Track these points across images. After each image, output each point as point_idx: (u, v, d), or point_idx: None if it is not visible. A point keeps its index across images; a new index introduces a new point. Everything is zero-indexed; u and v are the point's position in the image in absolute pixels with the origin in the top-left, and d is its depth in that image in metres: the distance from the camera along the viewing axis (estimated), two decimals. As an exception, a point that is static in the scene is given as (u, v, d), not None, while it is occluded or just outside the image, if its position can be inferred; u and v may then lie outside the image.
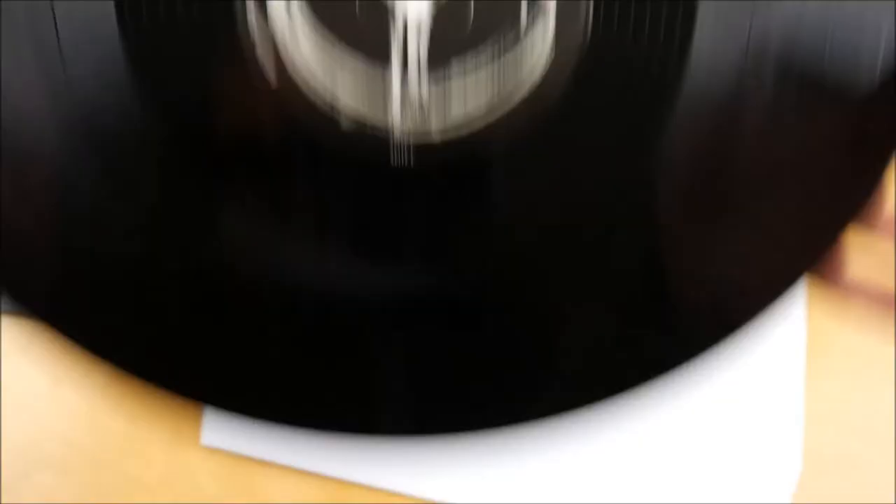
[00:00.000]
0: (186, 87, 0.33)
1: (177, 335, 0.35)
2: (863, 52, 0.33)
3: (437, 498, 0.44)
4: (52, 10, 0.32)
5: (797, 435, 0.44)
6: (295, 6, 0.33)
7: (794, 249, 0.35)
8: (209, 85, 0.33)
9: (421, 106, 0.33)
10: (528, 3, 0.33)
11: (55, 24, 0.32)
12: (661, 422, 0.45)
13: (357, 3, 0.33)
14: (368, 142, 0.34)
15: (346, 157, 0.34)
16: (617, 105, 0.34)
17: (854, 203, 0.34)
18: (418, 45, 0.33)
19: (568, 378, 0.35)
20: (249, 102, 0.33)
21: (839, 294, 0.35)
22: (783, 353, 0.45)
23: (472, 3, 0.33)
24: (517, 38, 0.33)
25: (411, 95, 0.33)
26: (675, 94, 0.34)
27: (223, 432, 0.44)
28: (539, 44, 0.33)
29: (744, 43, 0.33)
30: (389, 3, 0.33)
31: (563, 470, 0.45)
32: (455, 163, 0.34)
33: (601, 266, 0.35)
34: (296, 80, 0.33)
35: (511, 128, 0.34)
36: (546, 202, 0.35)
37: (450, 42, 0.33)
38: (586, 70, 0.34)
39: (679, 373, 0.34)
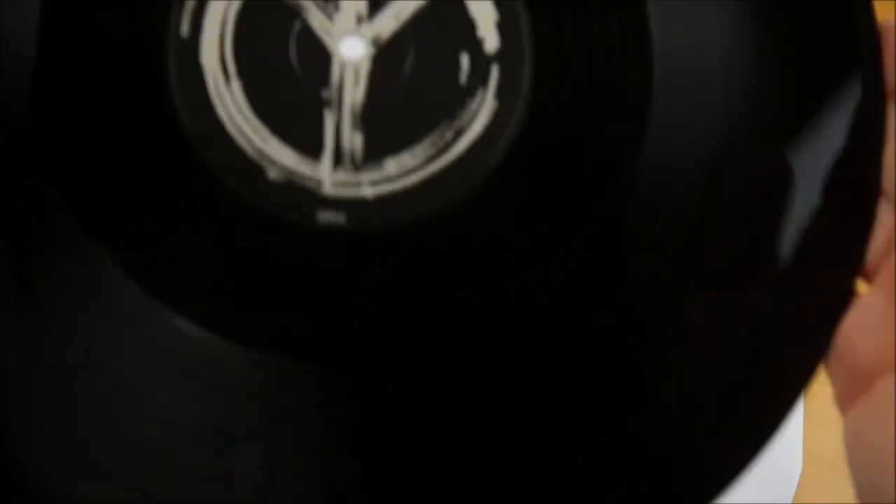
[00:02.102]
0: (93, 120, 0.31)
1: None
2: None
3: None
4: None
5: (797, 435, 0.43)
6: (230, 59, 0.31)
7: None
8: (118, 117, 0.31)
9: (353, 157, 0.31)
10: (469, 56, 0.32)
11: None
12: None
13: (293, 58, 0.31)
14: (296, 195, 0.31)
15: (270, 210, 0.31)
16: (566, 167, 0.32)
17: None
18: (353, 92, 0.31)
19: None
20: (163, 145, 0.31)
21: None
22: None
23: (411, 49, 0.32)
24: (458, 91, 0.31)
25: (344, 144, 0.31)
26: (628, 159, 0.31)
27: None
28: (481, 94, 0.32)
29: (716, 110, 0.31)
30: (328, 42, 0.31)
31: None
32: (390, 220, 0.31)
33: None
34: (221, 120, 0.31)
35: (452, 182, 0.31)
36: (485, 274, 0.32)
37: (387, 91, 0.31)
38: (535, 120, 0.32)
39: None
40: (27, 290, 0.31)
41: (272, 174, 0.31)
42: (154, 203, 0.31)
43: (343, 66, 0.31)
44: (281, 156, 0.31)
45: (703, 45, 0.31)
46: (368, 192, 0.31)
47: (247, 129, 0.31)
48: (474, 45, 0.32)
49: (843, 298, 0.31)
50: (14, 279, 0.30)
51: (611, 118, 0.31)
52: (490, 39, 0.32)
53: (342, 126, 0.31)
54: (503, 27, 0.32)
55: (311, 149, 0.31)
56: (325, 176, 0.31)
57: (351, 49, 0.32)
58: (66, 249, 0.30)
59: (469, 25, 0.32)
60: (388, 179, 0.31)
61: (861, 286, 0.31)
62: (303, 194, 0.31)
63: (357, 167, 0.31)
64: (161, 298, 0.30)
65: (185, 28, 0.31)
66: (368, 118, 0.31)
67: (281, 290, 0.31)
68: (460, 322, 0.31)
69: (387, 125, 0.31)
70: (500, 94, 0.32)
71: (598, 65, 0.32)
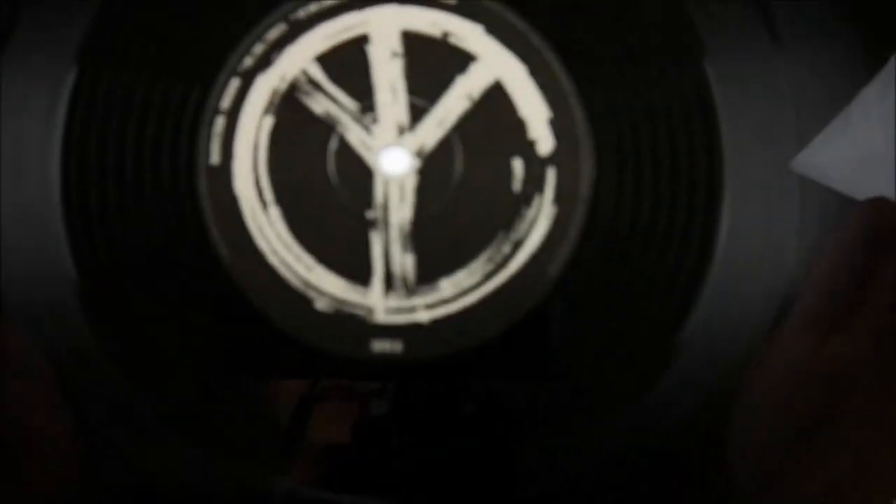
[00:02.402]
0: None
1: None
2: None
3: None
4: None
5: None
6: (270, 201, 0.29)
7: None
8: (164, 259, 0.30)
9: (405, 280, 0.29)
10: (523, 159, 0.29)
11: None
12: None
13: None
14: (347, 325, 0.29)
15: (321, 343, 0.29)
16: (629, 276, 0.30)
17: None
18: (400, 209, 0.29)
19: None
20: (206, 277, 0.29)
21: None
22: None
23: (459, 157, 0.29)
24: (513, 199, 0.29)
25: (394, 268, 0.29)
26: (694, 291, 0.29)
27: None
28: (538, 201, 0.29)
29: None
30: (369, 157, 0.29)
31: None
32: (448, 345, 0.29)
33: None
34: (261, 251, 0.29)
35: (511, 298, 0.29)
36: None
37: (436, 205, 0.29)
38: (595, 225, 0.29)
39: None
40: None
41: (320, 305, 0.29)
42: (197, 349, 0.29)
43: (387, 182, 0.29)
44: (328, 284, 0.29)
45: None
46: (424, 316, 0.29)
47: (289, 258, 0.29)
48: (527, 147, 0.29)
49: None
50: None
51: (677, 218, 0.29)
52: (544, 140, 0.29)
53: (391, 248, 0.29)
54: (557, 125, 0.29)
55: (360, 274, 0.29)
56: (377, 303, 0.29)
57: (394, 163, 0.29)
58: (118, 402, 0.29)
59: (520, 126, 0.29)
60: (444, 301, 0.29)
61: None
62: (354, 323, 0.29)
63: (410, 291, 0.29)
64: (201, 445, 0.29)
65: (214, 155, 0.29)
66: (418, 237, 0.29)
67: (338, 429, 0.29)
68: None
69: (439, 243, 0.29)
70: (559, 198, 0.29)
71: (662, 156, 0.29)
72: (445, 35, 0.29)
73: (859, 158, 0.27)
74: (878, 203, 0.24)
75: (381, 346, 0.29)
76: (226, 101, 0.29)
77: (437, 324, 0.29)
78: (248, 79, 0.29)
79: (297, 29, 0.29)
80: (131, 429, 0.29)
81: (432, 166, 0.29)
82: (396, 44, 0.29)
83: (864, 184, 0.27)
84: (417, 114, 0.29)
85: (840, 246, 0.24)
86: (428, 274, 0.29)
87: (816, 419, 0.23)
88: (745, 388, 0.25)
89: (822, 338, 0.23)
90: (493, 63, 0.29)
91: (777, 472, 0.24)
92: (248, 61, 0.29)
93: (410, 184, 0.29)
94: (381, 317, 0.29)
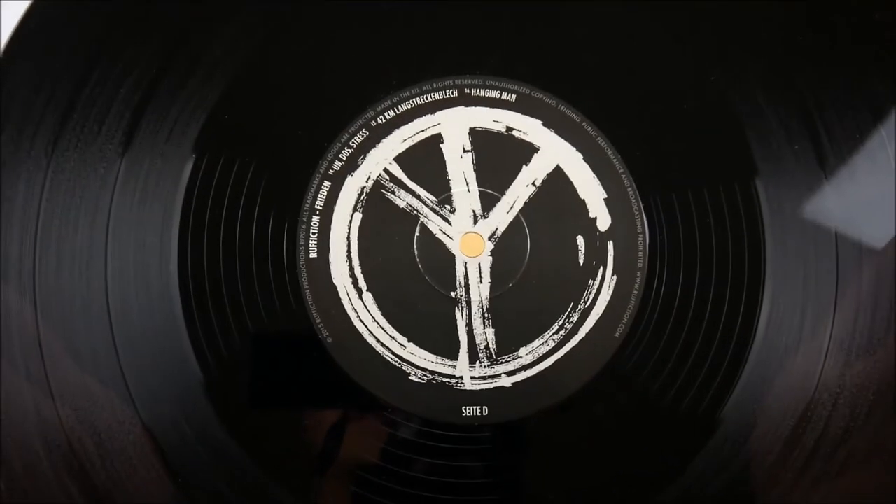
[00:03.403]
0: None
1: None
2: None
3: None
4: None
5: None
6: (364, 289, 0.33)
7: None
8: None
9: (488, 351, 0.33)
10: (584, 236, 0.33)
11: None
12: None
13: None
14: (438, 393, 0.33)
15: (417, 411, 0.33)
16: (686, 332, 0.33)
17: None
18: (479, 288, 0.33)
19: None
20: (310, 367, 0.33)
21: None
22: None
23: (528, 237, 0.33)
24: (579, 272, 0.33)
25: (477, 340, 0.33)
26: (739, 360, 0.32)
27: None
28: (601, 272, 0.33)
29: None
30: (449, 244, 0.33)
31: None
32: (528, 406, 0.33)
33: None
34: (360, 333, 0.33)
35: (582, 360, 0.33)
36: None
37: (510, 281, 0.33)
38: (652, 290, 0.33)
39: None
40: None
41: (414, 377, 0.33)
42: (304, 418, 0.33)
43: (466, 265, 0.33)
44: (420, 359, 0.33)
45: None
46: (507, 382, 0.33)
47: (384, 338, 0.33)
48: (587, 224, 0.33)
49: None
50: None
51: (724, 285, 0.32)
52: (602, 217, 0.33)
53: (474, 323, 0.33)
54: (612, 204, 0.33)
55: (448, 348, 0.33)
56: (465, 372, 0.33)
57: (471, 247, 0.33)
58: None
59: (580, 206, 0.33)
60: (524, 367, 0.33)
61: None
62: (445, 391, 0.33)
63: (492, 360, 0.33)
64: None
65: (313, 249, 0.33)
66: (497, 311, 0.33)
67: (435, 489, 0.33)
68: None
69: (515, 315, 0.33)
70: (618, 269, 0.33)
71: (710, 230, 0.33)
72: (508, 129, 0.33)
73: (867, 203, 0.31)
74: None
75: (469, 410, 0.33)
76: (319, 202, 0.33)
77: (517, 386, 0.33)
78: (337, 181, 0.33)
79: (378, 134, 0.33)
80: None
81: (505, 247, 0.33)
82: (466, 141, 0.33)
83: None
84: (489, 202, 0.33)
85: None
86: (507, 344, 0.33)
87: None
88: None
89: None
90: (553, 152, 0.33)
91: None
92: (337, 165, 0.33)
93: (487, 265, 0.33)
94: (469, 384, 0.33)
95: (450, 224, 0.33)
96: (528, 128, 0.33)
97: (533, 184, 0.33)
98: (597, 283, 0.33)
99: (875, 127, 0.32)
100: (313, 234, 0.33)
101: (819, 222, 0.32)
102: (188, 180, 0.33)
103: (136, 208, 0.32)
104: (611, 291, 0.33)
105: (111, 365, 0.32)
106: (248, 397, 0.32)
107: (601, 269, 0.33)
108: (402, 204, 0.33)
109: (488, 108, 0.33)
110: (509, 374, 0.33)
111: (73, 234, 0.32)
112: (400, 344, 0.33)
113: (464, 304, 0.33)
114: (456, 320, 0.33)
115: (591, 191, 0.33)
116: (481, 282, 0.33)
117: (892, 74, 0.32)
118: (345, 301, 0.33)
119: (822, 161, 0.32)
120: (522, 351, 0.33)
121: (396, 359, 0.33)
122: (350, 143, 0.33)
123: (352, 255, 0.33)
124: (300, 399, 0.33)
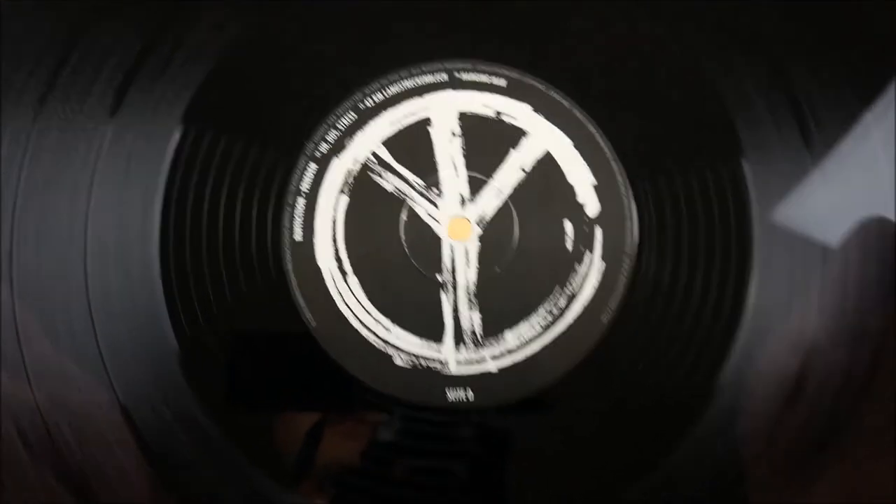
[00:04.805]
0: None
1: None
2: None
3: None
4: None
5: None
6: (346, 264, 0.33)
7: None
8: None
9: (474, 335, 0.32)
10: (572, 221, 0.33)
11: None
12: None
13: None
14: (423, 377, 0.32)
15: (401, 394, 0.32)
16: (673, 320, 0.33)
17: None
18: (466, 272, 0.33)
19: None
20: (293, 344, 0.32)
21: None
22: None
23: (515, 222, 0.33)
24: (566, 257, 0.33)
25: (463, 324, 0.32)
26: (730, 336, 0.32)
27: None
28: (588, 258, 0.33)
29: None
30: (436, 227, 0.33)
31: None
32: (515, 391, 0.32)
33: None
34: (344, 317, 0.32)
35: (569, 346, 0.33)
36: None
37: (498, 265, 0.33)
38: (641, 275, 0.33)
39: None
40: None
41: (399, 361, 0.32)
42: (287, 402, 0.32)
43: (453, 248, 0.33)
44: (405, 343, 0.32)
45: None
46: (492, 366, 0.32)
47: (369, 321, 0.32)
48: (576, 210, 0.33)
49: None
50: None
51: (713, 265, 0.32)
52: (591, 204, 0.33)
53: (459, 306, 0.32)
54: (601, 190, 0.33)
55: (433, 332, 0.32)
56: (450, 356, 0.32)
57: (458, 231, 0.33)
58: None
59: (569, 192, 0.33)
60: (510, 352, 0.32)
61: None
62: (430, 375, 0.32)
63: (478, 344, 0.32)
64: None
65: (298, 232, 0.32)
66: (483, 295, 0.32)
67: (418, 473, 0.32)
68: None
69: (502, 299, 0.33)
70: (606, 255, 0.33)
71: (697, 216, 0.33)
72: (498, 114, 0.33)
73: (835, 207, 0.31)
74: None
75: (454, 394, 0.32)
76: (305, 184, 0.33)
77: (503, 372, 0.32)
78: (324, 163, 0.33)
79: (366, 116, 0.33)
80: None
81: (492, 232, 0.33)
82: (455, 125, 0.33)
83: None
84: (477, 186, 0.33)
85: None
86: (494, 328, 0.32)
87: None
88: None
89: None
90: (542, 137, 0.33)
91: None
92: (324, 147, 0.33)
93: (474, 249, 0.33)
94: (454, 368, 0.32)
95: (437, 208, 0.33)
96: (518, 113, 0.33)
97: (522, 169, 0.33)
98: (584, 268, 0.33)
99: (861, 110, 0.32)
100: (298, 216, 0.33)
101: (806, 204, 0.32)
102: (172, 159, 0.32)
103: (118, 186, 0.32)
104: (599, 277, 0.33)
105: (89, 346, 0.31)
106: (228, 382, 0.32)
107: (588, 253, 0.33)
108: (389, 187, 0.33)
109: (478, 93, 0.33)
110: (495, 357, 0.32)
111: (53, 211, 0.32)
112: (385, 328, 0.32)
113: (450, 287, 0.32)
114: (442, 304, 0.32)
115: (580, 176, 0.33)
116: (468, 266, 0.33)
117: (879, 57, 0.32)
118: (329, 284, 0.32)
119: (809, 143, 0.32)
120: (509, 335, 0.32)
121: (381, 342, 0.32)
122: (337, 125, 0.33)
123: (337, 238, 0.33)
124: (282, 383, 0.32)
